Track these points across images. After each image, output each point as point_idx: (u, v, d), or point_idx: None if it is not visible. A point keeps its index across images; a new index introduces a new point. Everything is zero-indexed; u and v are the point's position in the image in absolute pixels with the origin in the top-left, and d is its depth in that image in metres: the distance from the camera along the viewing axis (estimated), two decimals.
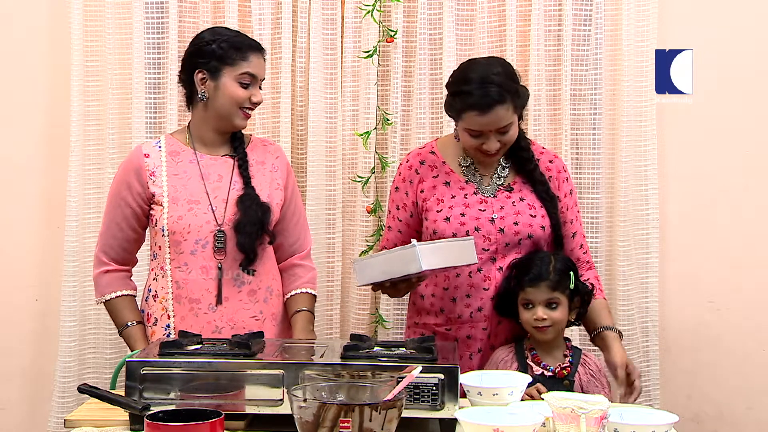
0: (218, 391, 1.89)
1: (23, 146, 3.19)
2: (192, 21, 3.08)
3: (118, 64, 3.07)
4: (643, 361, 3.09)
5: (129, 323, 2.45)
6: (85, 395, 1.99)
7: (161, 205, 2.40)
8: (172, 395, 1.89)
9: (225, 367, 1.91)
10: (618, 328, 2.44)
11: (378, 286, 2.36)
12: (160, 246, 2.43)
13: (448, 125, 3.00)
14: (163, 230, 2.40)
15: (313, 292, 2.56)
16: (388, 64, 3.09)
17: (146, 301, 2.49)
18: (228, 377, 1.90)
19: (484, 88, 2.29)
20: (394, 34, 3.05)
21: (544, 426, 1.73)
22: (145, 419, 1.62)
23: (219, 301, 2.39)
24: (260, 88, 2.46)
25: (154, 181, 2.42)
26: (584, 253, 2.51)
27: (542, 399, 1.78)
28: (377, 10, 3.03)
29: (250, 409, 1.89)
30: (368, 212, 3.08)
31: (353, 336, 2.11)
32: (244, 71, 2.39)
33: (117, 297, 2.48)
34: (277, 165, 2.52)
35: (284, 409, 1.82)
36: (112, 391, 2.06)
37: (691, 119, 3.14)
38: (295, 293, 2.52)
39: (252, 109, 2.45)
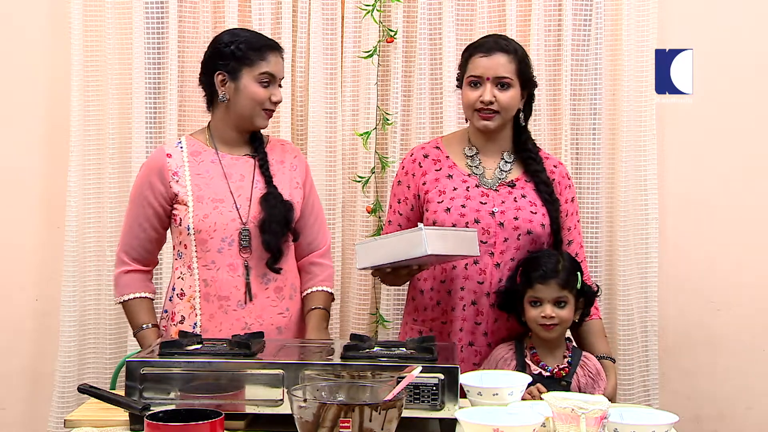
0: (218, 391, 1.89)
1: (23, 146, 3.19)
2: (192, 21, 3.08)
3: (118, 64, 3.07)
4: (642, 361, 3.09)
5: (144, 325, 2.46)
6: (85, 395, 1.99)
7: (185, 205, 2.42)
8: (172, 395, 1.89)
9: (225, 367, 1.91)
10: (613, 357, 2.48)
11: (377, 272, 2.36)
12: (185, 245, 2.44)
13: (448, 125, 3.01)
14: (188, 229, 2.41)
15: (329, 290, 2.56)
16: (388, 64, 3.09)
17: (170, 300, 2.49)
18: (228, 377, 1.90)
19: (492, 38, 2.51)
20: (394, 34, 3.05)
21: (544, 426, 1.73)
22: (145, 419, 1.62)
23: (250, 299, 2.40)
24: (280, 87, 2.48)
25: (177, 181, 2.43)
26: (580, 262, 2.51)
27: (542, 399, 1.78)
28: (377, 10, 3.03)
29: (250, 409, 1.89)
30: (368, 212, 3.08)
31: (353, 336, 2.11)
32: (263, 71, 2.41)
33: (135, 298, 2.49)
34: (296, 164, 2.54)
35: (284, 409, 1.82)
36: (112, 391, 2.06)
37: (691, 119, 3.14)
38: (311, 291, 2.53)
39: (273, 110, 2.46)
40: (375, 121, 3.07)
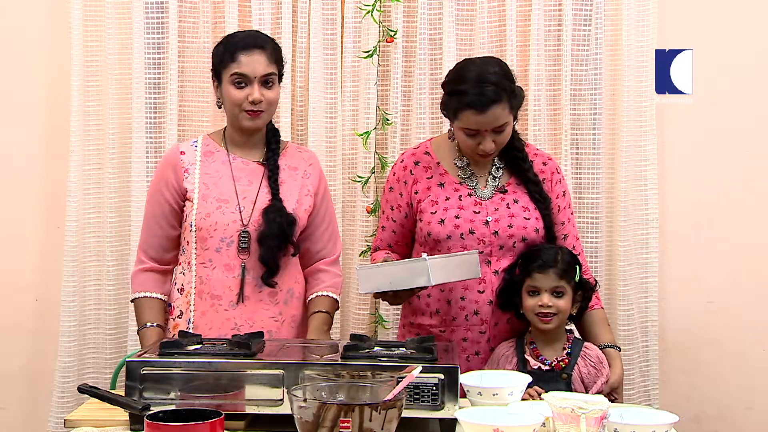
0: (218, 391, 1.89)
1: (23, 146, 3.20)
2: (192, 21, 3.08)
3: (118, 64, 3.07)
4: (642, 361, 3.09)
5: (148, 324, 2.45)
6: (85, 395, 1.99)
7: (192, 201, 2.43)
8: (172, 395, 1.89)
9: (225, 367, 1.91)
10: (618, 345, 2.46)
11: (379, 294, 2.36)
12: (188, 241, 2.45)
13: (448, 125, 3.00)
14: (191, 226, 2.43)
15: (334, 296, 2.54)
16: (388, 64, 3.09)
17: (173, 294, 2.50)
18: (228, 377, 1.90)
19: (480, 87, 2.31)
20: (394, 34, 3.05)
21: (544, 426, 1.73)
22: (145, 419, 1.62)
23: (240, 300, 2.41)
24: (268, 84, 2.41)
25: (187, 178, 2.45)
26: (577, 254, 2.50)
27: (542, 399, 1.78)
28: (377, 10, 3.03)
29: (250, 409, 1.89)
30: (368, 212, 3.08)
31: (353, 336, 2.11)
32: (233, 72, 2.40)
33: (144, 297, 2.48)
34: (309, 172, 2.53)
35: (284, 409, 1.82)
36: (112, 392, 2.06)
37: (691, 119, 3.14)
38: (315, 296, 2.52)
39: (255, 110, 2.41)
40: (375, 121, 3.07)
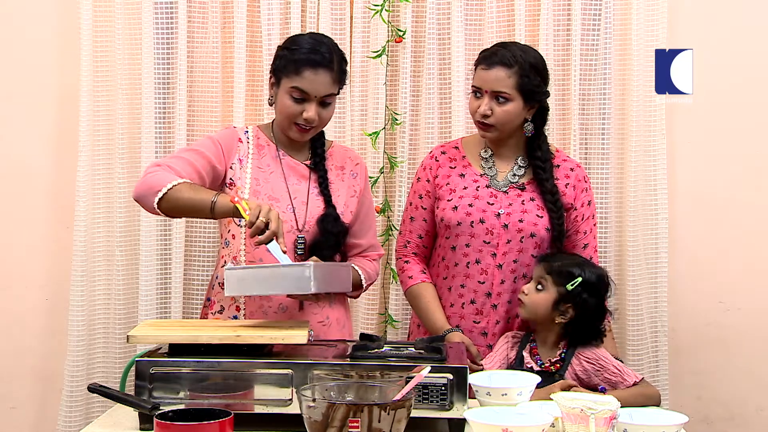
0: (227, 390, 1.90)
1: (33, 146, 3.20)
2: (201, 21, 3.08)
3: (128, 64, 3.07)
4: (652, 362, 3.08)
5: (213, 197, 2.20)
6: (94, 394, 1.99)
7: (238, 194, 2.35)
8: (181, 395, 1.90)
9: (234, 367, 1.91)
10: (621, 359, 2.45)
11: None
12: (233, 235, 2.40)
13: (457, 125, 3.01)
14: (240, 220, 2.33)
15: (362, 274, 2.45)
16: (397, 64, 3.08)
17: (212, 288, 2.45)
18: (237, 377, 1.90)
19: (499, 48, 2.47)
20: (403, 34, 3.05)
21: (554, 426, 1.73)
22: (154, 419, 1.63)
23: (301, 306, 2.35)
24: (324, 104, 2.35)
25: (240, 168, 2.39)
26: None
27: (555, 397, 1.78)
28: (386, 10, 3.03)
29: (259, 409, 1.90)
30: (377, 212, 3.08)
31: (362, 335, 2.11)
32: (293, 85, 2.32)
33: (181, 183, 2.22)
34: (356, 171, 2.52)
35: (293, 408, 1.82)
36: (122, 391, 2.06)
37: (701, 120, 3.12)
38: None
39: (307, 128, 2.36)
40: (384, 121, 3.07)
